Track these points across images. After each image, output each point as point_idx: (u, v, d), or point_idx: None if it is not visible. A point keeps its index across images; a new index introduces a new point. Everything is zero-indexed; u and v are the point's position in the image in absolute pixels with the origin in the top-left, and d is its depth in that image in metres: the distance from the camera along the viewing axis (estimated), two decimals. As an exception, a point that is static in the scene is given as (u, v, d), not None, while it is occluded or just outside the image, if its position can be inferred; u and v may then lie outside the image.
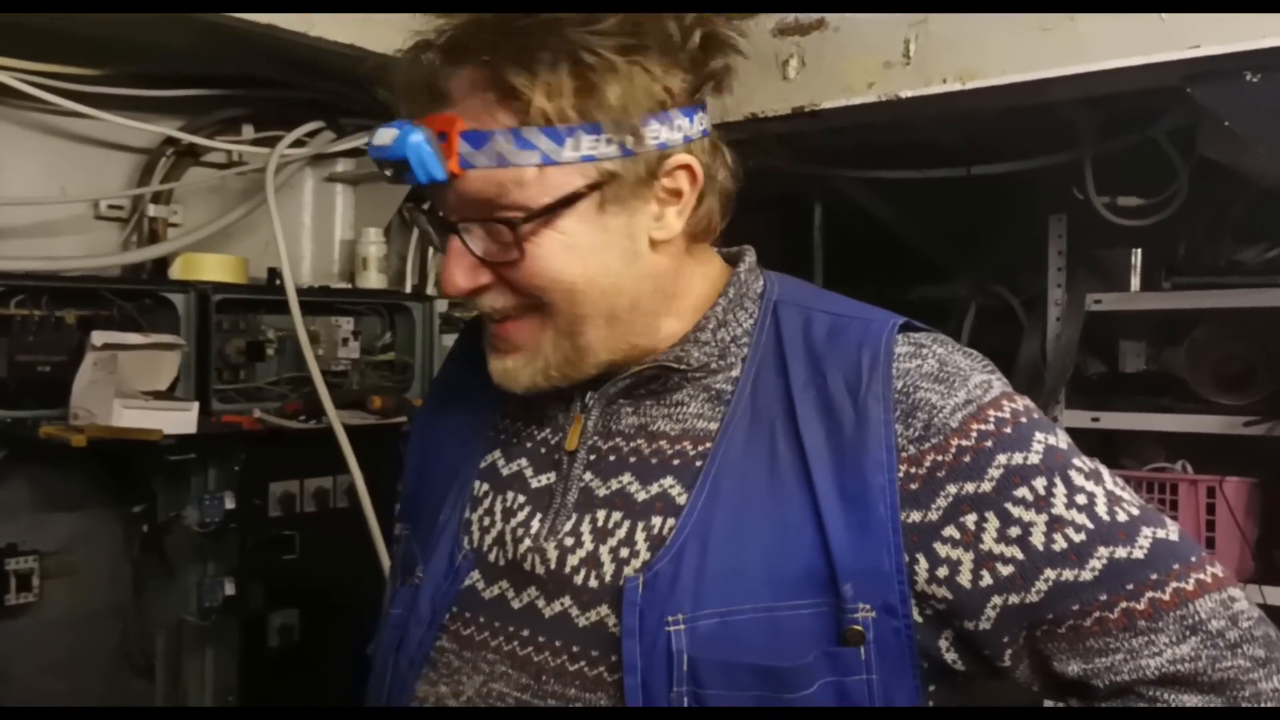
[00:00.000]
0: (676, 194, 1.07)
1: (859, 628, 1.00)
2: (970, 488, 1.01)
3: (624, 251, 1.06)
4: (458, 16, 1.06)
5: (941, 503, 1.02)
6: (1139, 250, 2.68)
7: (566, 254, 1.03)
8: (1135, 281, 2.70)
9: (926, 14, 1.87)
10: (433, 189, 1.04)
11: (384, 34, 2.08)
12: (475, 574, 1.14)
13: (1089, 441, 2.78)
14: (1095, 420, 2.68)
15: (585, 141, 1.01)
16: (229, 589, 2.10)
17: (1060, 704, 1.08)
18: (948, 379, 1.05)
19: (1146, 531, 1.01)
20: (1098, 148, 2.27)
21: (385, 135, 1.02)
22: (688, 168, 1.07)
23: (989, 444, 1.02)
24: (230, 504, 2.09)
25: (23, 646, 2.05)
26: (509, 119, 1.00)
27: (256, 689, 2.19)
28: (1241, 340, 2.60)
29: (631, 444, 1.11)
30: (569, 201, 1.02)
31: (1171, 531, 1.02)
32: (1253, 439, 2.46)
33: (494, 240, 1.04)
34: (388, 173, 1.04)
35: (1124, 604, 0.99)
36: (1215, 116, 1.73)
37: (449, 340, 2.69)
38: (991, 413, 1.03)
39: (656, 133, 1.04)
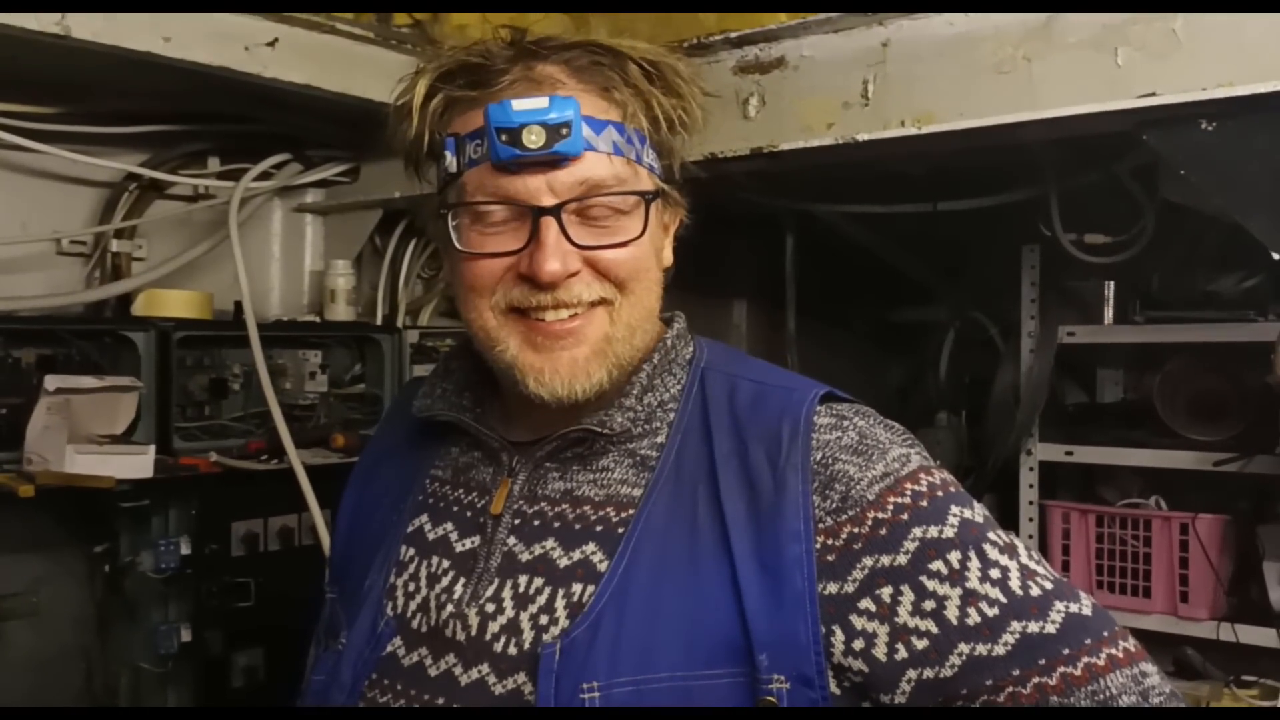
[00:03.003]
0: (666, 229, 1.14)
1: (772, 699, 1.00)
2: (886, 560, 1.01)
3: (659, 264, 1.13)
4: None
5: (858, 575, 1.01)
6: (1112, 283, 2.64)
7: (650, 243, 1.09)
8: (1109, 314, 2.66)
9: (884, 55, 1.86)
10: (524, 173, 1.03)
11: (340, 75, 2.08)
12: (397, 640, 1.13)
13: (1065, 475, 2.76)
14: (1069, 454, 2.65)
15: (650, 153, 1.09)
16: (185, 635, 2.07)
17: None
18: (866, 451, 1.05)
19: (1059, 606, 1.00)
20: (1062, 184, 2.24)
21: (533, 101, 1.01)
22: (680, 206, 1.14)
23: (905, 517, 1.01)
24: (186, 549, 2.05)
25: (-18, 688, 2.02)
26: (616, 114, 1.05)
27: (223, 730, 2.17)
28: (1214, 374, 2.57)
29: (556, 509, 1.10)
30: (657, 196, 1.09)
31: (1084, 606, 1.02)
32: (1227, 473, 2.43)
33: (594, 225, 1.05)
34: (532, 140, 1.00)
35: (1036, 679, 0.98)
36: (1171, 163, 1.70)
37: (421, 371, 2.66)
38: (908, 486, 1.03)
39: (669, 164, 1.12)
